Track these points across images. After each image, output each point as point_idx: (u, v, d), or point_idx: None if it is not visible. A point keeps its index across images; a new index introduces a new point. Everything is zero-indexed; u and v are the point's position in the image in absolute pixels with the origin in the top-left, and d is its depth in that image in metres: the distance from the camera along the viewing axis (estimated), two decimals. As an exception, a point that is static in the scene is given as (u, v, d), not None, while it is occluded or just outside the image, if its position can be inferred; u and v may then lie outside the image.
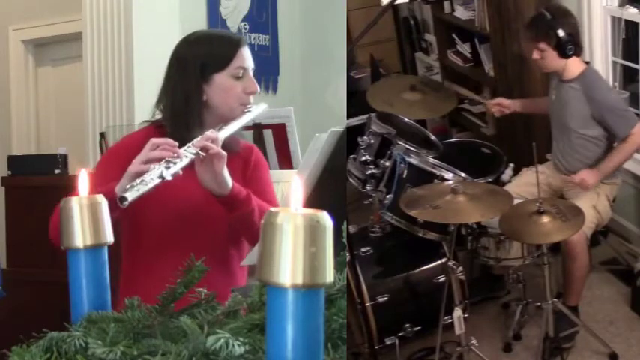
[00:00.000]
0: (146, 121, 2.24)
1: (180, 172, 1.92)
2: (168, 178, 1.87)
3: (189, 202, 2.11)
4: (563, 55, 3.06)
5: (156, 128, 2.19)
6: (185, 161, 1.94)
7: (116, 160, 2.09)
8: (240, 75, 2.15)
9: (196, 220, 2.12)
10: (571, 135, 3.19)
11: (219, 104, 2.14)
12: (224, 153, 1.99)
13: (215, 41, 2.19)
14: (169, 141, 1.97)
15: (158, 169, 1.88)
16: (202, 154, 1.96)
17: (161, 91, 2.19)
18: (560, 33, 3.02)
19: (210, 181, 2.01)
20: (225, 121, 2.14)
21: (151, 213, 2.09)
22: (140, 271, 2.13)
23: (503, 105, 3.45)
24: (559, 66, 3.12)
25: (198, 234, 2.11)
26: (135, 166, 1.93)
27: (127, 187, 1.85)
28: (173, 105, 2.15)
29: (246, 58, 2.17)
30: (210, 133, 2.02)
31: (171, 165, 1.90)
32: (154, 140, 1.96)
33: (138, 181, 1.85)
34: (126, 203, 1.80)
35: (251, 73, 2.18)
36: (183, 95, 2.13)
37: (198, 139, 2.00)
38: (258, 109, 2.18)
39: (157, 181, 1.86)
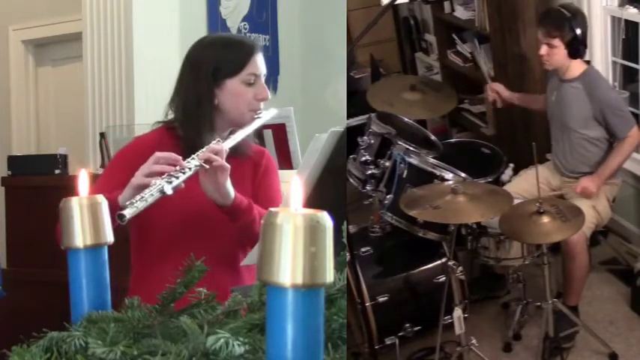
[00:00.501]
0: (158, 122, 2.25)
1: (183, 185, 1.92)
2: (169, 192, 1.89)
3: (195, 203, 2.11)
4: (574, 54, 3.07)
5: (167, 130, 2.20)
6: (188, 174, 1.95)
7: (124, 164, 2.10)
8: (252, 82, 2.16)
9: (202, 221, 2.14)
10: (571, 135, 3.19)
11: (230, 109, 2.16)
12: (227, 165, 2.00)
13: (229, 46, 2.20)
14: (173, 155, 1.98)
15: (159, 185, 1.88)
16: (206, 166, 1.97)
17: (174, 92, 2.21)
18: (578, 31, 3.03)
19: (213, 192, 2.02)
20: (236, 125, 2.15)
21: (158, 215, 2.09)
22: (149, 271, 2.14)
23: (500, 93, 3.45)
24: (564, 65, 3.13)
25: (205, 235, 2.12)
26: (137, 178, 1.94)
27: (127, 203, 1.85)
28: (185, 107, 2.16)
29: (259, 64, 2.18)
30: (214, 144, 2.03)
31: (173, 179, 1.91)
32: (158, 154, 1.97)
33: (137, 197, 1.86)
34: (125, 220, 1.81)
35: (263, 79, 2.19)
36: (195, 98, 2.14)
37: (202, 150, 2.01)
38: (268, 115, 2.19)
39: (157, 195, 1.87)
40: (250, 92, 2.15)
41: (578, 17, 3.09)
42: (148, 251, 2.18)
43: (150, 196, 1.86)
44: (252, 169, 2.22)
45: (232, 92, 2.15)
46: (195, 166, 1.96)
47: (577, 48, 3.06)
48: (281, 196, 2.28)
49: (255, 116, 2.17)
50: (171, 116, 2.22)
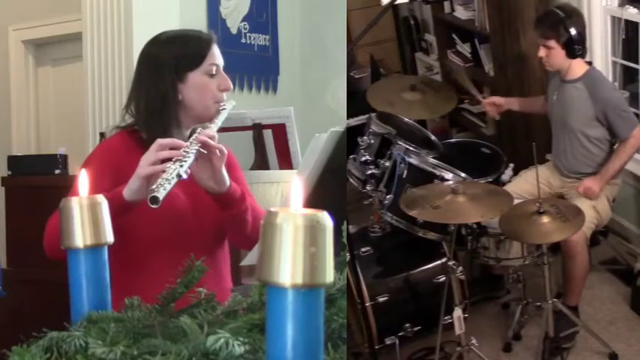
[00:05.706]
0: (117, 127, 2.18)
1: (189, 171, 1.90)
2: (184, 176, 1.85)
3: (174, 206, 2.06)
4: (571, 54, 3.07)
5: (129, 134, 2.13)
6: (191, 158, 1.91)
7: (103, 169, 2.03)
8: (214, 72, 2.12)
9: (181, 225, 2.09)
10: (573, 135, 3.19)
11: (194, 103, 2.11)
12: (224, 149, 1.97)
13: (187, 40, 2.16)
14: (175, 140, 1.95)
15: (175, 169, 1.85)
16: (204, 150, 1.95)
17: (131, 94, 2.15)
18: (573, 31, 3.03)
19: (208, 179, 1.98)
20: (201, 120, 2.11)
21: (134, 223, 2.01)
22: (130, 280, 2.07)
23: (497, 103, 3.46)
24: (564, 65, 3.13)
25: (184, 238, 2.08)
26: (145, 168, 1.89)
27: (153, 187, 1.81)
28: (148, 107, 2.09)
29: (217, 55, 2.15)
30: (207, 130, 2.00)
31: (183, 163, 1.88)
32: (160, 141, 1.93)
33: (161, 180, 1.81)
34: (155, 205, 1.77)
35: (222, 70, 2.16)
36: (159, 96, 2.08)
37: (197, 134, 1.97)
38: (230, 105, 2.14)
39: (176, 179, 1.84)
40: (213, 83, 2.12)
41: (573, 17, 3.09)
42: (126, 261, 2.08)
43: (172, 178, 1.82)
44: None
45: (196, 85, 2.10)
46: (196, 150, 1.92)
47: (574, 48, 3.06)
48: (248, 188, 2.23)
49: (220, 108, 2.12)
50: (129, 120, 2.15)
